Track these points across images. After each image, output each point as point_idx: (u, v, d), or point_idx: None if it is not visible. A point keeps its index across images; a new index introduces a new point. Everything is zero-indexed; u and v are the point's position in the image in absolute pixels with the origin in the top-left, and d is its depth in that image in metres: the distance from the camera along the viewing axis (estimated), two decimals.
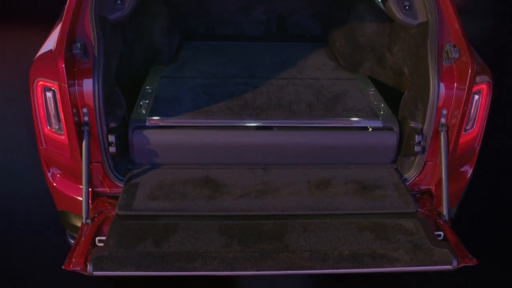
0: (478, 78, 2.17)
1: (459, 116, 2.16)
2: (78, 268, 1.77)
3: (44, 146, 2.21)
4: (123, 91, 2.54)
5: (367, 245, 1.88)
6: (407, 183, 2.30)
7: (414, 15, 2.35)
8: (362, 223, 2.00)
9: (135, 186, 2.15)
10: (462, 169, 2.44)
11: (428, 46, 2.19)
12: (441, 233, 2.02)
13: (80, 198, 2.17)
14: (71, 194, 2.26)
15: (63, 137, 2.11)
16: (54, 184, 2.29)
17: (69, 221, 2.34)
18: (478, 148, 2.38)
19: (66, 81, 1.96)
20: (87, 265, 1.76)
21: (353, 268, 1.81)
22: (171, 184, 2.16)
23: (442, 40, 2.20)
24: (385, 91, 2.73)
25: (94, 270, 1.75)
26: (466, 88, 2.10)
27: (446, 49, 2.16)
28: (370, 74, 2.92)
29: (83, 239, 1.94)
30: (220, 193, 2.12)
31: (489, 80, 2.24)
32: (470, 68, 2.07)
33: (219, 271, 1.76)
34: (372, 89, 2.70)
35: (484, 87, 2.22)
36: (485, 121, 2.32)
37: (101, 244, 1.88)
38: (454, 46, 2.15)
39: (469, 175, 2.44)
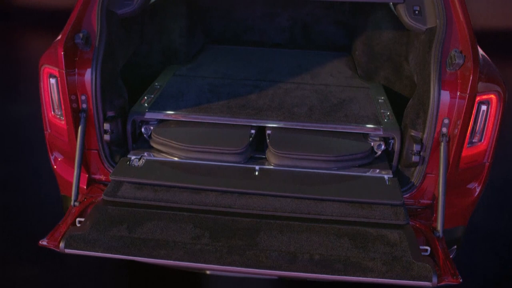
0: (484, 87, 2.03)
1: (459, 127, 2.02)
2: (52, 245, 1.83)
3: (49, 130, 2.33)
4: (138, 87, 2.63)
5: (341, 252, 1.79)
6: (405, 195, 2.18)
7: (424, 20, 2.25)
8: (343, 230, 1.91)
9: None
10: (469, 186, 2.27)
11: (433, 51, 2.09)
12: (428, 248, 1.88)
13: (81, 186, 2.27)
14: (70, 179, 2.35)
15: (63, 122, 2.22)
16: (56, 168, 2.40)
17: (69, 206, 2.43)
18: (488, 164, 2.21)
19: (64, 67, 2.06)
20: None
21: (321, 273, 1.72)
22: None
23: (449, 46, 2.09)
24: (401, 101, 2.62)
25: (65, 247, 1.80)
26: (467, 95, 1.96)
27: (451, 54, 2.04)
28: (386, 83, 2.82)
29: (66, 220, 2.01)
30: (206, 188, 2.11)
31: (499, 90, 2.08)
32: (471, 74, 1.93)
33: (183, 261, 1.75)
34: (382, 97, 2.60)
35: (492, 97, 2.06)
36: (496, 135, 2.15)
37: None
38: (461, 52, 2.02)
39: (476, 193, 2.26)
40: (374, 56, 2.83)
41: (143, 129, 2.37)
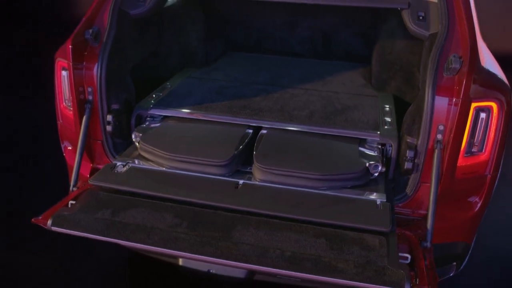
0: (483, 93, 1.94)
1: (452, 134, 1.94)
2: (41, 223, 1.94)
3: (61, 121, 2.49)
4: (156, 87, 2.74)
5: (314, 251, 1.75)
6: (399, 204, 2.11)
7: (427, 26, 2.20)
8: (322, 231, 1.87)
9: None
10: (470, 199, 2.15)
11: (431, 55, 2.03)
12: (408, 256, 1.80)
13: (85, 174, 2.39)
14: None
15: (71, 112, 2.36)
16: (65, 156, 2.55)
17: None
18: (490, 176, 2.09)
19: (71, 60, 2.21)
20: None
21: (289, 269, 1.69)
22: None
23: (449, 51, 2.02)
24: None
25: (52, 225, 1.90)
26: (460, 100, 1.89)
27: (449, 59, 1.98)
28: (398, 93, 2.75)
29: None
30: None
31: (501, 98, 1.98)
32: (465, 78, 1.86)
33: (156, 246, 1.79)
34: (389, 106, 2.55)
35: (492, 105, 1.97)
36: (499, 146, 2.03)
37: None
38: (460, 58, 1.96)
39: (477, 207, 2.14)
40: (386, 65, 2.79)
41: (133, 136, 2.34)
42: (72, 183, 2.23)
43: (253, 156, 2.15)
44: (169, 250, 1.78)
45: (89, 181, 2.09)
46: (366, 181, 2.10)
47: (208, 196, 1.98)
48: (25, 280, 2.69)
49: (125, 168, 2.17)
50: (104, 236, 1.85)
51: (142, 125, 2.42)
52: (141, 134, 2.32)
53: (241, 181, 2.09)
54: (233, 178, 2.12)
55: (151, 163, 2.23)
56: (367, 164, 2.09)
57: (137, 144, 2.32)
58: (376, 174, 2.12)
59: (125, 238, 1.83)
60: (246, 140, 2.27)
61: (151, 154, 2.23)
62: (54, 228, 1.90)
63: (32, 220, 1.97)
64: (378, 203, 1.97)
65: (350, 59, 3.41)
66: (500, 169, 2.14)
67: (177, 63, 3.12)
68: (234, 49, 3.56)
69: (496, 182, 2.15)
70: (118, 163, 2.21)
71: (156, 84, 2.80)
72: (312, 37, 3.43)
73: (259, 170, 2.10)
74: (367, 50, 3.34)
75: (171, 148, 2.18)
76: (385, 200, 1.99)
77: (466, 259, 2.33)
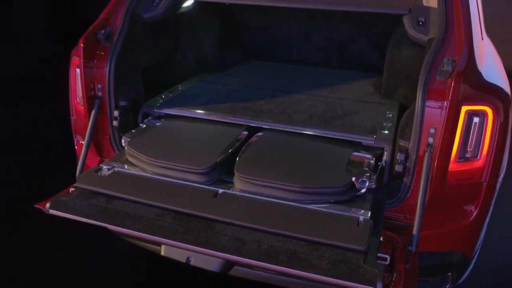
0: (477, 97, 1.90)
1: (440, 139, 1.91)
2: (41, 206, 2.06)
3: (74, 116, 2.64)
4: (167, 90, 2.86)
5: (291, 246, 1.76)
6: (390, 208, 2.09)
7: (427, 31, 2.19)
8: None
9: None
10: (466, 208, 2.08)
11: (425, 58, 2.02)
12: (387, 256, 1.77)
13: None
14: (88, 162, 2.62)
15: (83, 107, 2.51)
16: (77, 150, 2.69)
17: None
18: (486, 184, 2.02)
19: (82, 57, 2.36)
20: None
21: (264, 261, 1.71)
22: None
23: (444, 55, 2.01)
24: None
25: (50, 208, 2.02)
26: (448, 102, 1.85)
27: (443, 62, 1.96)
28: (405, 100, 2.72)
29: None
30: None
31: (496, 104, 1.92)
32: (453, 80, 1.83)
33: (140, 232, 1.86)
34: (393, 113, 2.52)
35: (487, 109, 1.92)
36: (495, 153, 1.97)
37: None
38: (454, 61, 1.93)
39: (473, 216, 2.07)
40: (394, 72, 2.77)
41: (122, 140, 2.34)
42: (77, 173, 2.36)
43: (235, 164, 2.09)
44: (151, 236, 1.85)
45: (76, 182, 2.11)
46: (351, 196, 1.97)
47: (183, 203, 1.94)
48: (25, 280, 2.78)
49: (109, 172, 2.17)
50: (95, 220, 1.95)
51: (134, 130, 2.44)
52: (129, 139, 2.30)
53: (220, 190, 2.02)
54: (213, 186, 2.06)
55: (137, 168, 2.21)
56: (353, 179, 1.96)
57: (125, 148, 2.30)
58: (363, 191, 1.98)
59: (114, 223, 1.92)
60: (236, 145, 2.23)
61: (136, 159, 2.21)
62: (52, 211, 2.02)
63: (34, 205, 2.10)
64: (360, 219, 1.84)
65: (365, 69, 3.40)
66: (500, 177, 2.08)
67: (191, 68, 3.22)
68: (250, 57, 3.64)
69: (495, 191, 2.08)
70: (104, 167, 2.20)
71: (169, 87, 2.91)
72: (327, 47, 3.46)
73: (239, 180, 2.02)
74: (382, 60, 3.32)
75: (155, 154, 2.15)
76: (368, 217, 1.86)
77: (467, 272, 2.25)
